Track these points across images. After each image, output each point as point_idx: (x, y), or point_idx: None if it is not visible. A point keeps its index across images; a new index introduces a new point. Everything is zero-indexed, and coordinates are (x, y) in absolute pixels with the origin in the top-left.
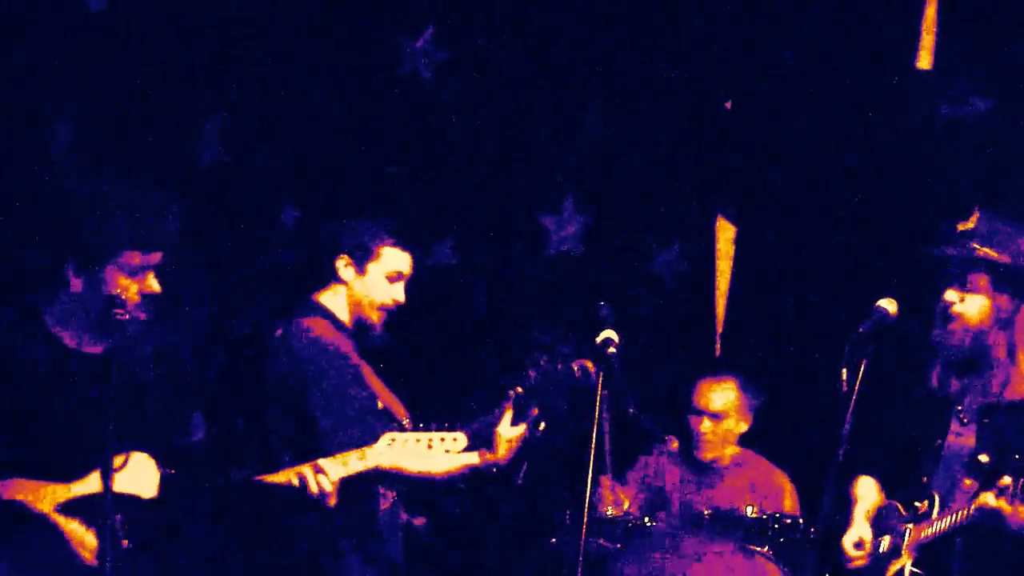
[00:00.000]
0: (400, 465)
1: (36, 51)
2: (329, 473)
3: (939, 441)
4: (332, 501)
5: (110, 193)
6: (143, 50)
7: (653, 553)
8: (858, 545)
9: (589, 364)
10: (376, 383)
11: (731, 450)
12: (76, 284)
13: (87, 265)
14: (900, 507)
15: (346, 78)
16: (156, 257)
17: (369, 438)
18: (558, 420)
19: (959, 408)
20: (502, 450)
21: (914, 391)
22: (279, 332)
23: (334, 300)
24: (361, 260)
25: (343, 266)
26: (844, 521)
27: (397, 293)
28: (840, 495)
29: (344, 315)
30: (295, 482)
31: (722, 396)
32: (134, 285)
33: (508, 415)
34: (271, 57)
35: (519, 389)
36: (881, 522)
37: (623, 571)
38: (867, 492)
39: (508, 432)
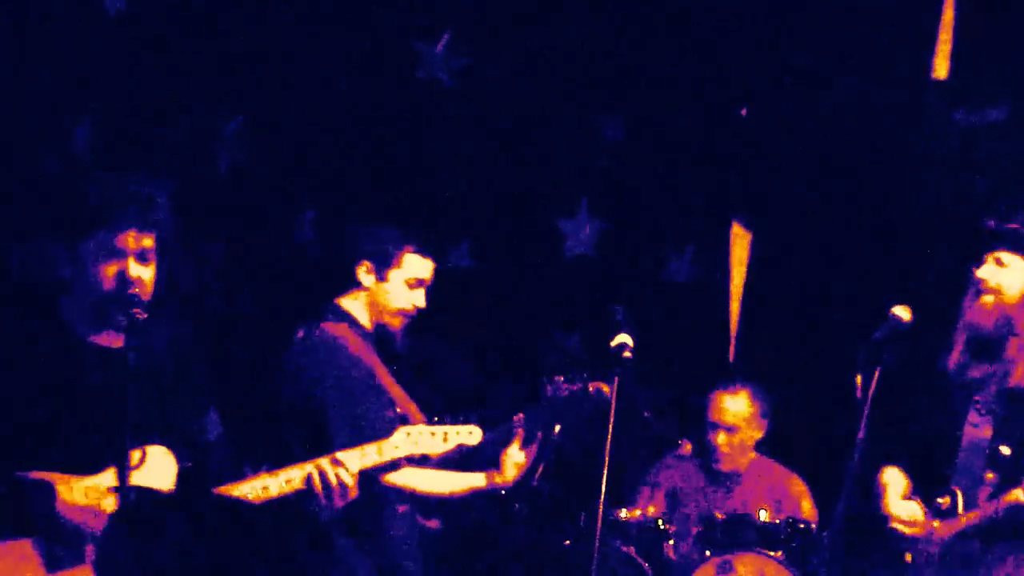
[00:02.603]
0: (411, 485)
1: (55, 55)
2: (348, 465)
3: (956, 432)
4: (353, 494)
5: (105, 177)
6: (160, 54)
7: None
8: (911, 515)
9: (604, 387)
10: (394, 388)
11: (748, 457)
12: (79, 267)
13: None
14: (919, 504)
15: (364, 83)
16: (150, 238)
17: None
18: (572, 436)
19: (976, 398)
20: (510, 473)
21: (930, 379)
22: (300, 334)
23: (355, 305)
24: (382, 267)
25: (364, 272)
26: (876, 508)
27: (418, 299)
28: (867, 489)
29: (365, 320)
30: (314, 475)
31: (736, 408)
32: (147, 272)
33: (517, 440)
34: (289, 61)
35: (521, 416)
36: None
37: None
38: (895, 478)
39: (516, 456)
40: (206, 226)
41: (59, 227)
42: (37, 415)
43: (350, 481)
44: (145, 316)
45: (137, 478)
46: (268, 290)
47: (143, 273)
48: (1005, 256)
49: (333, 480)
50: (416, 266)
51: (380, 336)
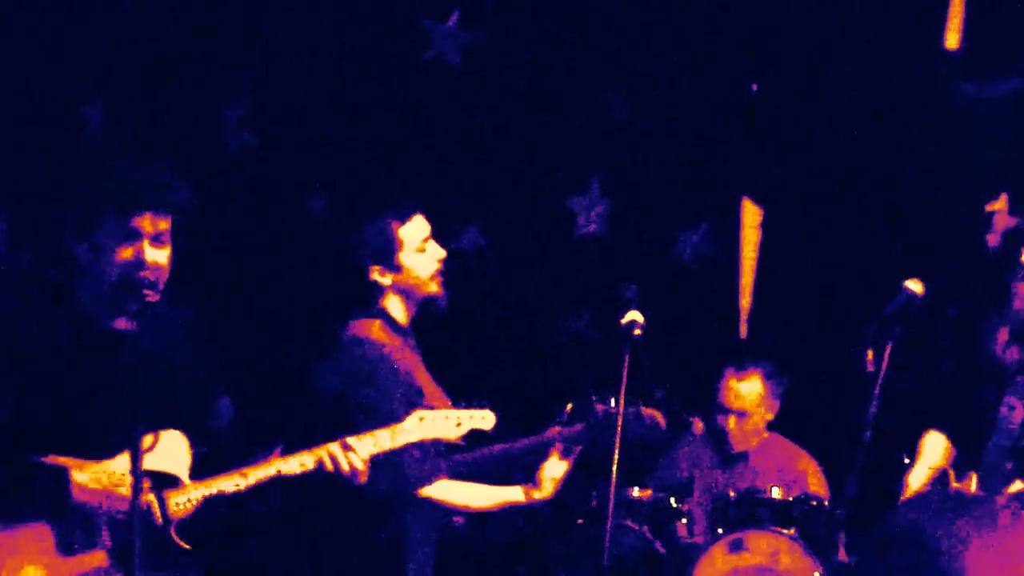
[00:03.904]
0: (448, 499)
1: (64, 38)
2: (358, 451)
3: (992, 413)
4: (363, 479)
5: (121, 159)
6: (169, 36)
7: None
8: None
9: (659, 416)
10: (428, 385)
11: (761, 437)
12: (94, 251)
13: (99, 226)
14: (952, 474)
15: (372, 62)
16: (166, 221)
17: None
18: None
19: (1019, 378)
20: (547, 489)
21: (975, 355)
22: (335, 330)
23: (390, 300)
24: (389, 259)
25: (379, 275)
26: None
27: (436, 253)
28: (880, 464)
29: (400, 313)
30: (326, 460)
31: (747, 391)
32: (162, 255)
33: (555, 454)
34: (296, 42)
35: (561, 430)
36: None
37: None
38: (932, 448)
39: (555, 471)
40: (216, 209)
41: (75, 211)
42: (52, 399)
43: (360, 466)
44: (158, 299)
45: (150, 462)
46: (279, 273)
47: (158, 256)
48: None
49: (345, 466)
50: (413, 233)
51: (428, 311)
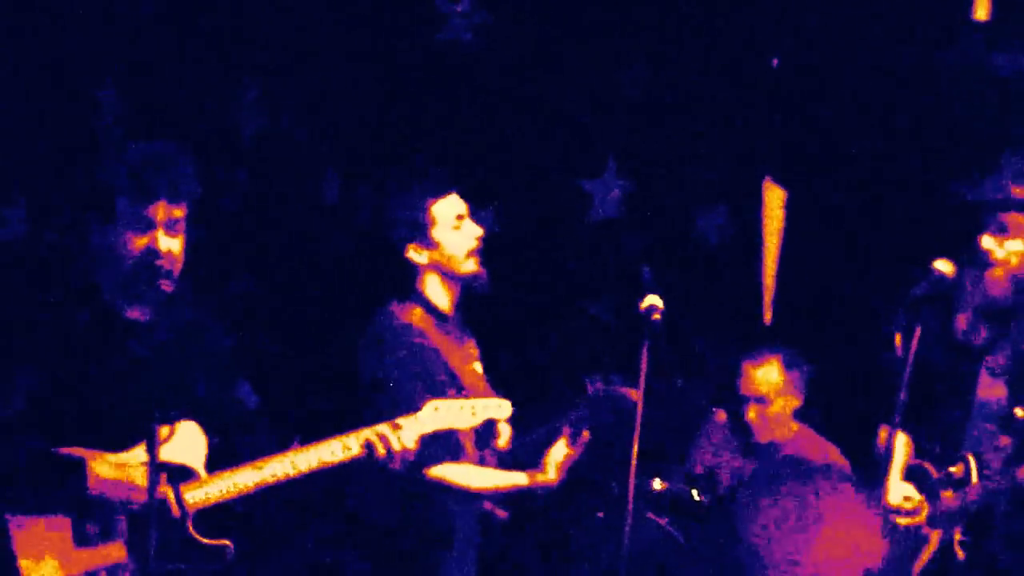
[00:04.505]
0: (451, 479)
1: (77, 24)
2: (407, 431)
3: (968, 396)
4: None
5: (136, 147)
6: (182, 19)
7: None
8: (907, 500)
9: (633, 392)
10: (468, 375)
11: (790, 428)
12: (109, 240)
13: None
14: (931, 468)
15: (386, 44)
16: (180, 209)
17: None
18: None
19: (988, 359)
20: (553, 473)
21: (941, 340)
22: (372, 316)
23: (431, 285)
24: (424, 235)
25: (414, 253)
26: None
27: (472, 231)
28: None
29: (443, 300)
30: (376, 443)
31: (766, 379)
32: (176, 243)
33: (563, 439)
34: (309, 24)
35: (569, 424)
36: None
37: None
38: (898, 449)
39: (560, 456)
40: (229, 194)
41: (90, 199)
42: (68, 388)
43: (412, 446)
44: (172, 288)
45: (167, 453)
46: (297, 258)
47: (172, 245)
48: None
49: (396, 446)
50: (447, 209)
51: (471, 291)
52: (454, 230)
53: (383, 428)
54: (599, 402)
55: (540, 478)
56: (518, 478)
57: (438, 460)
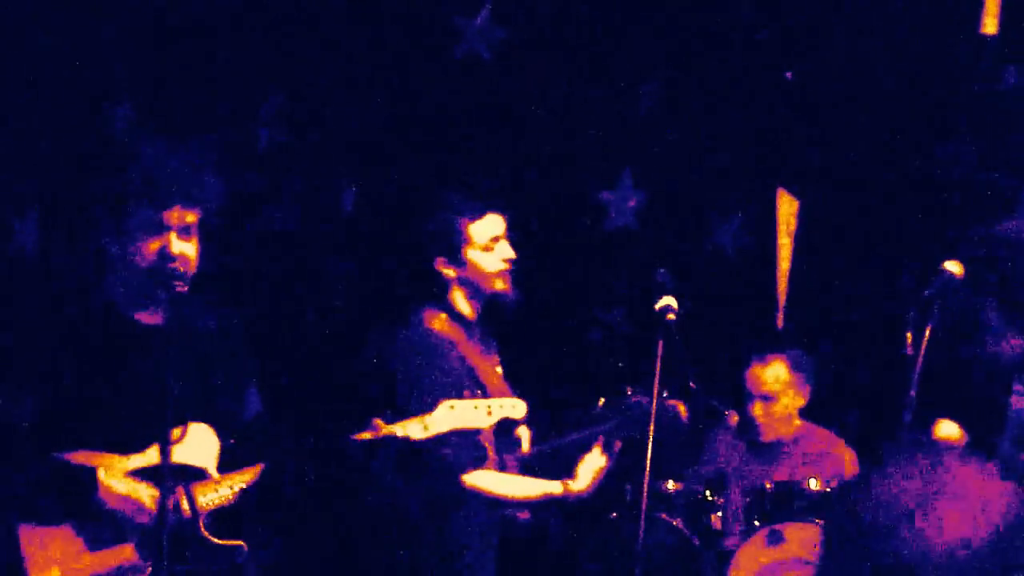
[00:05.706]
0: (486, 488)
1: (93, 32)
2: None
3: (1002, 401)
4: None
5: (150, 152)
6: (200, 30)
7: None
8: None
9: (681, 407)
10: (492, 381)
11: (793, 425)
12: (123, 243)
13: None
14: None
15: (403, 57)
16: (194, 214)
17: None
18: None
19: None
20: (585, 482)
21: (973, 348)
22: (407, 317)
23: (456, 294)
24: (456, 253)
25: (443, 267)
26: None
27: (504, 252)
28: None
29: (466, 307)
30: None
31: (772, 377)
32: (189, 247)
33: (597, 448)
34: (327, 39)
35: (605, 433)
36: None
37: None
38: (950, 433)
39: (595, 464)
40: (247, 204)
41: (104, 203)
42: (81, 393)
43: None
44: (186, 291)
45: (179, 455)
46: (312, 266)
47: (186, 249)
48: None
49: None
50: (483, 230)
51: (494, 309)
52: (485, 251)
53: (395, 427)
54: (639, 415)
55: (573, 486)
56: (552, 487)
57: (469, 466)
